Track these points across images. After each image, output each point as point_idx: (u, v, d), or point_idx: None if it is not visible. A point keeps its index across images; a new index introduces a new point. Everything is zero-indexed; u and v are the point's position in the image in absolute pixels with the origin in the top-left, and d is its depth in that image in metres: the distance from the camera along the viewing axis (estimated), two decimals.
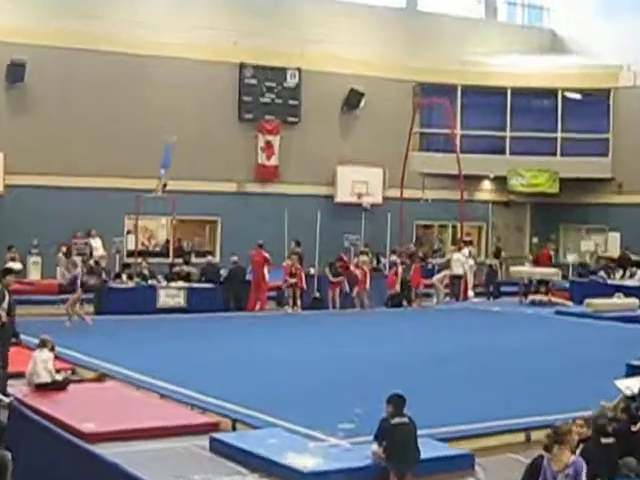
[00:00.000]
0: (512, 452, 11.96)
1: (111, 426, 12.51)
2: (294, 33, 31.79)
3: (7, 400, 10.12)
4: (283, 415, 13.03)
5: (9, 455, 5.94)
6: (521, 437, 12.77)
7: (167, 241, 31.23)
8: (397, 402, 10.74)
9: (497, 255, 33.67)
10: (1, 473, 6.41)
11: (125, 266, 27.88)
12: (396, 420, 10.63)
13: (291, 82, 32.35)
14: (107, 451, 9.61)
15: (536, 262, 32.18)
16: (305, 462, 10.85)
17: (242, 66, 31.47)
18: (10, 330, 14.16)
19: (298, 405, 14.00)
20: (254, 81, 31.73)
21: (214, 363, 17.78)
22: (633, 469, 10.10)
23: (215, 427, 12.89)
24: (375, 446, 10.80)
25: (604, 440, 9.99)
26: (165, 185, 27.59)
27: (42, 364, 14.60)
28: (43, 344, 14.99)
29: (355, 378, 16.37)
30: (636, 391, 11.52)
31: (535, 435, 12.27)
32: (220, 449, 11.81)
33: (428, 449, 11.07)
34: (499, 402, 14.54)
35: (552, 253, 33.56)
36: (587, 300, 27.47)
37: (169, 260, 29.72)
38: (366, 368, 17.46)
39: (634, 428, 10.49)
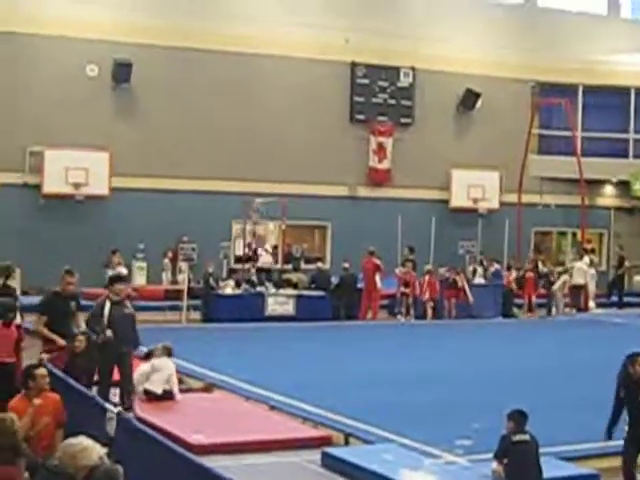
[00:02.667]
0: None
1: (220, 438, 12.07)
2: (407, 31, 30.79)
3: (115, 411, 9.68)
4: (398, 430, 12.53)
5: (121, 469, 5.52)
6: None
7: (275, 247, 30.36)
8: (518, 418, 10.23)
9: (620, 264, 32.26)
10: None
11: (232, 272, 27.19)
12: (517, 437, 10.14)
13: (405, 82, 31.23)
14: (215, 464, 9.05)
15: None
16: None
17: (354, 65, 30.58)
18: (116, 346, 12.86)
19: (413, 420, 13.43)
20: (366, 81, 30.75)
21: (325, 374, 17.28)
22: None
23: (327, 441, 12.40)
24: (495, 464, 10.26)
25: None
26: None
27: (158, 374, 14.18)
28: (166, 352, 14.60)
29: (472, 392, 15.72)
30: None
31: None
32: (332, 464, 11.41)
33: (551, 468, 10.44)
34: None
35: None
36: None
37: (278, 266, 29.01)
38: (483, 382, 16.75)
39: None
